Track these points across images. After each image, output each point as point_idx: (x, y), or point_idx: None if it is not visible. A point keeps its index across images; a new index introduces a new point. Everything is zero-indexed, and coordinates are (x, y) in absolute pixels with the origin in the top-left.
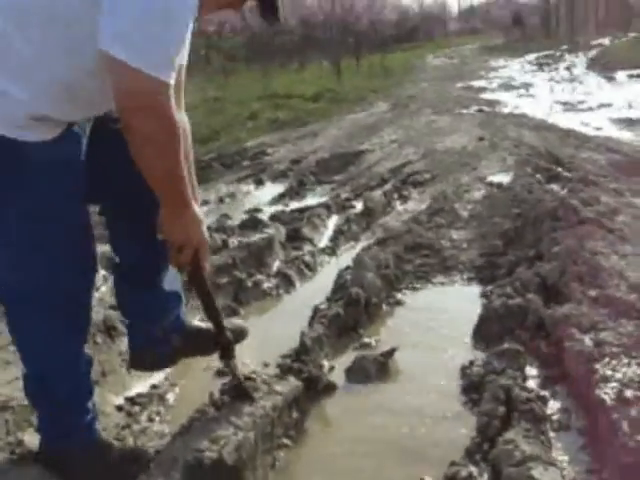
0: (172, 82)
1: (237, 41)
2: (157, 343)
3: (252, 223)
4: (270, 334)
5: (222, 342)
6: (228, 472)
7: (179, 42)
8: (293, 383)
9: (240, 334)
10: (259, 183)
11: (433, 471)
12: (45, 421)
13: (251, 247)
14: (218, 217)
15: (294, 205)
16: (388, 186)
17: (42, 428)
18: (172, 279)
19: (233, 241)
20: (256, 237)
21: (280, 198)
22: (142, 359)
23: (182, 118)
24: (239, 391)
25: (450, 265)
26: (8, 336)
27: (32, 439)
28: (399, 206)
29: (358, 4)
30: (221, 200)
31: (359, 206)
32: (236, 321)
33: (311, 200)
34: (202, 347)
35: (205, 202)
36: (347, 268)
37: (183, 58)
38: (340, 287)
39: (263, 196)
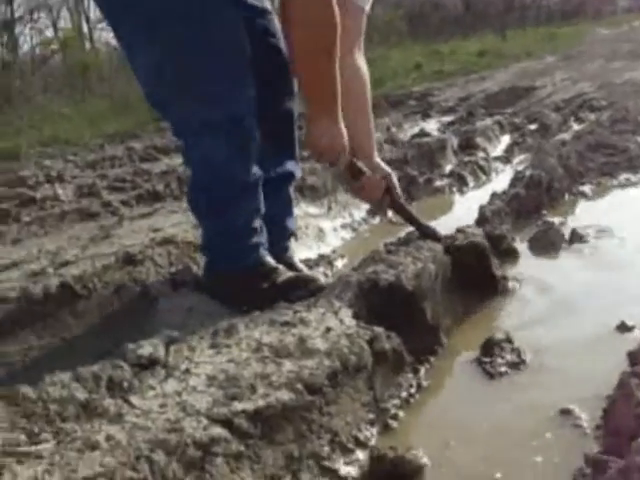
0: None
1: (397, 15)
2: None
3: (423, 134)
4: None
5: None
6: (405, 298)
7: None
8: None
9: None
10: (426, 116)
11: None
12: (211, 241)
13: (423, 147)
14: (385, 137)
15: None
16: (564, 111)
17: (207, 250)
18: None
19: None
20: (428, 139)
21: (449, 125)
22: None
23: (362, 62)
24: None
25: (638, 164)
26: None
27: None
28: (576, 126)
29: None
30: (387, 129)
31: (533, 127)
32: None
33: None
34: None
35: None
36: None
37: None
38: (520, 177)
39: (431, 125)
